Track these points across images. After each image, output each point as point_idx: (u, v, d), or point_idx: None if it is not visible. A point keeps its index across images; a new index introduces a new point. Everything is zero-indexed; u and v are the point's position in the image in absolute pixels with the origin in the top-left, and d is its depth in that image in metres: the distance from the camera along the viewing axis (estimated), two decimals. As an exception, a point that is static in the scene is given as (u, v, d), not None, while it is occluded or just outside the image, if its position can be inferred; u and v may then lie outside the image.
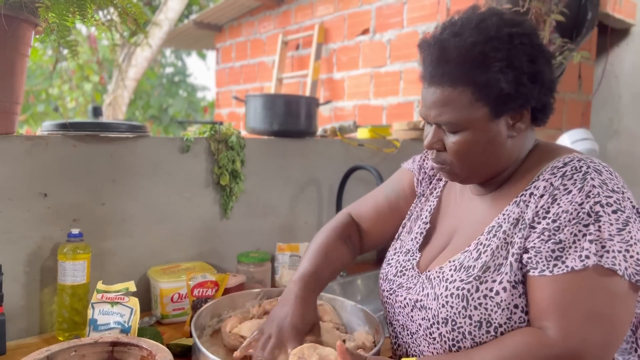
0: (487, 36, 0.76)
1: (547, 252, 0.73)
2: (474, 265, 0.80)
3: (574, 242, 0.72)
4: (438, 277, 0.85)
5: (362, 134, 2.03)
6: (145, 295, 1.32)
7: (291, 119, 1.69)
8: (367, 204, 1.12)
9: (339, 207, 1.74)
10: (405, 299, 0.90)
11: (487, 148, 0.81)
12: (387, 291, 0.96)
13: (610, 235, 0.71)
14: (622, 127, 2.70)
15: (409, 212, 1.05)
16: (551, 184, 0.77)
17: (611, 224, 0.72)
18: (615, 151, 2.67)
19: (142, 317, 1.26)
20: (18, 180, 1.13)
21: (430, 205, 1.00)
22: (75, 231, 1.15)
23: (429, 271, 0.88)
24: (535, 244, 0.75)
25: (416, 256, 0.94)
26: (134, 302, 1.00)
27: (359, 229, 1.10)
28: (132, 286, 1.04)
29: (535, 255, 0.74)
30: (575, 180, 0.75)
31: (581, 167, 0.76)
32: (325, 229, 1.07)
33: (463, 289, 0.79)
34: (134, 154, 1.31)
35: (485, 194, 0.89)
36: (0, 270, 1.02)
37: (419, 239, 0.96)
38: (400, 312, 0.92)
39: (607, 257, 0.70)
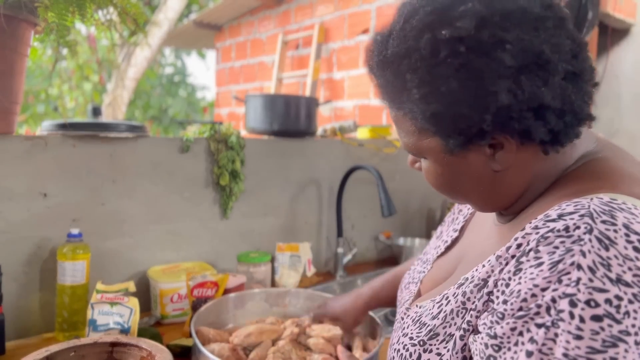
0: (405, 47, 0.53)
1: (481, 344, 0.51)
2: (427, 325, 0.62)
3: (515, 343, 0.47)
4: (402, 319, 0.71)
5: (362, 134, 2.03)
6: (145, 296, 1.31)
7: (291, 119, 1.69)
8: None
9: (339, 207, 1.74)
10: (397, 320, 0.77)
11: (459, 181, 0.59)
12: (398, 301, 0.85)
13: (565, 355, 0.43)
14: (622, 127, 2.69)
15: (449, 213, 0.91)
16: (528, 242, 0.50)
17: (577, 338, 0.42)
18: (615, 151, 2.67)
19: (142, 317, 1.26)
20: (18, 180, 1.13)
21: (467, 210, 0.82)
22: (75, 231, 1.15)
23: (407, 307, 0.74)
24: (479, 326, 0.53)
25: (426, 269, 0.79)
26: (134, 302, 1.00)
27: None
28: (131, 286, 1.04)
29: (473, 343, 0.54)
30: (556, 247, 0.47)
31: (577, 227, 0.47)
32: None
33: (407, 350, 0.62)
34: (134, 154, 1.31)
35: (499, 224, 0.66)
36: (0, 270, 1.02)
37: (441, 249, 0.79)
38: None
39: None
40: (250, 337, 0.99)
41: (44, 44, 1.16)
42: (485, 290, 0.54)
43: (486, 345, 0.50)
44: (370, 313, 1.07)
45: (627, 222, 0.46)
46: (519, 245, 0.52)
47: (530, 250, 0.49)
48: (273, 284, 1.54)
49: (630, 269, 0.43)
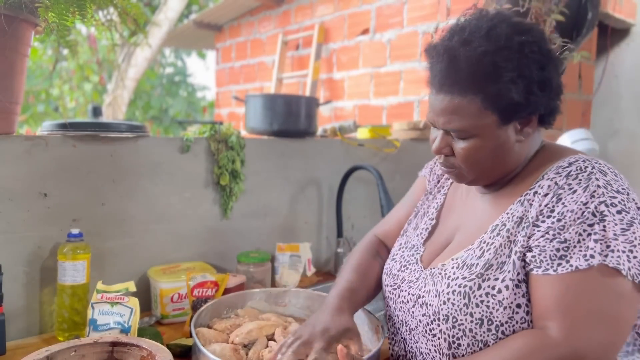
0: (497, 46, 0.76)
1: (551, 251, 0.74)
2: (477, 263, 0.81)
3: (579, 241, 0.72)
4: (440, 274, 0.85)
5: (362, 134, 2.03)
6: (145, 295, 1.32)
7: (291, 119, 1.69)
8: (389, 221, 1.14)
9: (339, 207, 1.74)
10: (408, 294, 0.90)
11: (496, 153, 0.82)
12: (391, 286, 0.96)
13: (614, 235, 0.71)
14: (622, 127, 2.69)
15: (415, 209, 1.07)
16: (556, 183, 0.77)
17: (616, 224, 0.72)
18: (615, 151, 2.67)
19: (142, 317, 1.26)
20: (18, 180, 1.13)
21: (437, 202, 1.02)
22: (75, 231, 1.15)
23: (433, 268, 0.88)
24: (539, 242, 0.75)
25: (420, 251, 0.96)
26: (134, 302, 1.00)
27: (387, 247, 1.12)
28: (132, 286, 1.04)
29: (540, 254, 0.75)
30: (580, 180, 0.76)
31: (586, 167, 0.77)
32: (356, 250, 1.10)
33: (465, 286, 0.79)
34: (134, 154, 1.31)
35: (489, 192, 0.90)
36: (0, 270, 1.02)
37: (424, 234, 0.98)
38: (401, 307, 0.92)
39: (612, 257, 0.70)
40: (252, 333, 0.99)
41: (45, 44, 1.16)
42: (530, 220, 0.78)
43: (557, 250, 0.73)
44: (371, 312, 1.07)
45: (603, 163, 0.79)
46: (549, 186, 0.78)
47: (563, 185, 0.77)
48: (273, 284, 1.54)
49: (619, 185, 0.76)
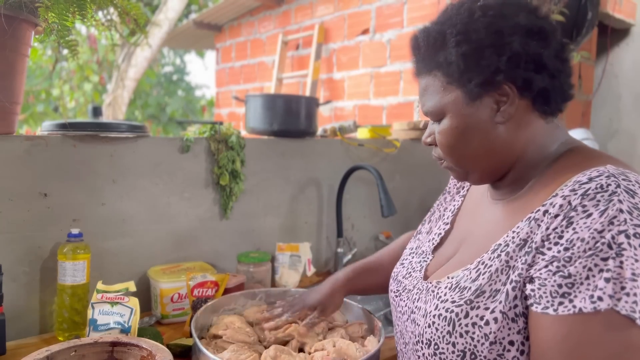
0: (447, 16, 0.76)
1: (552, 286, 0.62)
2: (469, 287, 0.72)
3: (587, 277, 0.59)
4: (433, 292, 0.78)
5: (362, 134, 2.03)
6: (145, 295, 1.32)
7: (291, 119, 1.69)
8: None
9: (339, 207, 1.74)
10: (405, 305, 0.85)
11: (470, 135, 0.74)
12: (394, 292, 0.91)
13: (633, 274, 0.57)
14: (622, 127, 2.70)
15: (431, 210, 1.02)
16: (569, 202, 0.64)
17: (636, 260, 0.58)
18: (615, 151, 2.67)
19: (142, 317, 1.26)
20: (18, 180, 1.13)
21: (454, 205, 0.95)
22: (75, 231, 1.15)
23: (430, 282, 0.81)
24: (541, 274, 0.63)
25: (428, 259, 0.89)
26: (134, 302, 1.00)
27: None
28: (132, 286, 1.04)
29: (540, 288, 0.63)
30: (599, 201, 0.61)
31: (609, 185, 0.62)
32: (397, 240, 1.18)
33: (452, 311, 0.71)
34: (134, 154, 1.31)
35: (501, 199, 0.80)
36: (0, 270, 1.02)
37: (436, 240, 0.91)
38: (399, 317, 0.87)
39: (626, 302, 0.57)
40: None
41: (45, 44, 1.17)
42: (533, 245, 0.65)
43: (559, 286, 0.61)
44: (371, 312, 1.07)
45: (635, 179, 0.64)
46: (560, 206, 0.64)
47: (576, 206, 0.63)
48: (273, 284, 1.55)
49: None
